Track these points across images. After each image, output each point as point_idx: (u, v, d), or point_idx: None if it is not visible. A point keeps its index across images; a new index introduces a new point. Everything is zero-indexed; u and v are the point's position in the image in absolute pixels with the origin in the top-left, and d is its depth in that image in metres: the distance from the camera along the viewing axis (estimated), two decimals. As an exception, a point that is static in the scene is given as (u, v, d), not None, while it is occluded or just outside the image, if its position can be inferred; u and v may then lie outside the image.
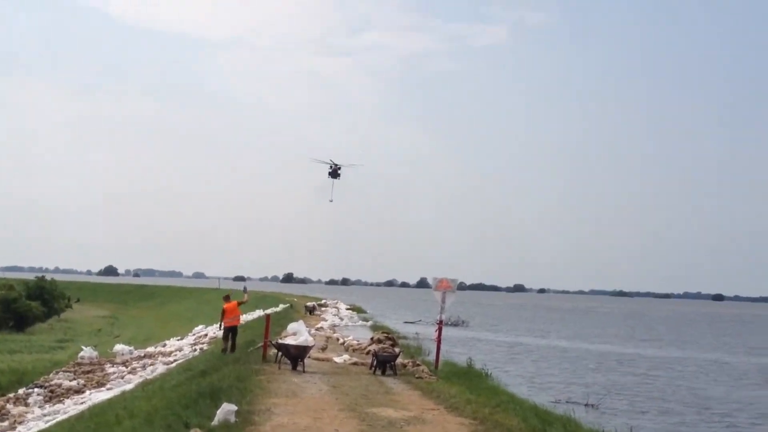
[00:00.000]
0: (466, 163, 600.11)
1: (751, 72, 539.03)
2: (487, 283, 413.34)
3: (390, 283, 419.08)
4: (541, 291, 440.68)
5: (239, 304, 26.05)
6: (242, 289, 29.89)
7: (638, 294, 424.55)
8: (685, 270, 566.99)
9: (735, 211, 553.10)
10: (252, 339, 28.31)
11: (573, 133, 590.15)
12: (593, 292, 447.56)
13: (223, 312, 25.30)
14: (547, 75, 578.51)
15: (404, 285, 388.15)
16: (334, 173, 48.69)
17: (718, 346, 60.15)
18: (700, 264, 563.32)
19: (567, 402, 24.05)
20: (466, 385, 19.73)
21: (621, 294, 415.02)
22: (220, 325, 26.18)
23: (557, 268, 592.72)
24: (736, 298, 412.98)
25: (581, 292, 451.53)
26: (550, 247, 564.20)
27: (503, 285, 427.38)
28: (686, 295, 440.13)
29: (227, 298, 25.97)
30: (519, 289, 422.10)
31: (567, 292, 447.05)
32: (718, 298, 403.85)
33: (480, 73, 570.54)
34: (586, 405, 24.56)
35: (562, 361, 42.50)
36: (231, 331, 25.41)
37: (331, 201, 50.54)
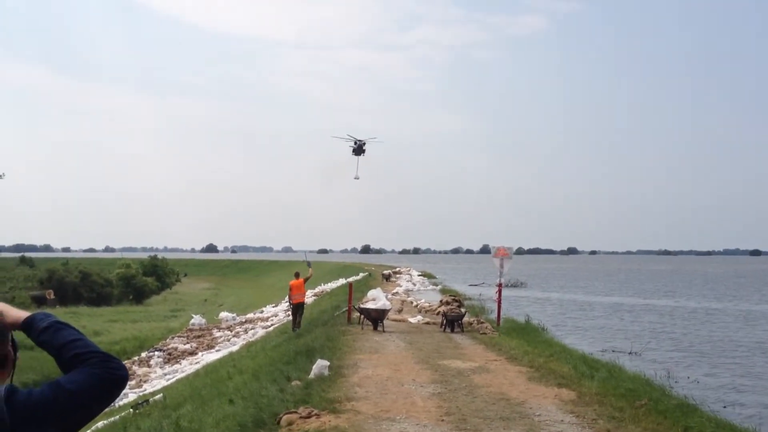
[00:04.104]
0: (517, 141, 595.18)
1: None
2: (543, 247, 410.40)
3: (456, 251, 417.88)
4: (593, 252, 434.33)
5: (305, 280, 23.16)
6: (306, 263, 24.59)
7: (681, 252, 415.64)
8: (724, 228, 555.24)
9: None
10: (338, 304, 28.89)
11: (619, 105, 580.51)
12: (640, 252, 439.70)
13: (290, 289, 23.04)
14: (579, 59, 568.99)
15: (468, 251, 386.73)
16: (359, 149, 42.94)
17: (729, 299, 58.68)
18: (738, 222, 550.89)
19: (613, 351, 23.84)
20: (524, 338, 19.79)
21: (666, 253, 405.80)
22: (289, 302, 23.83)
23: (607, 231, 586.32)
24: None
25: (629, 253, 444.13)
26: (599, 212, 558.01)
27: (557, 248, 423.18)
28: (726, 252, 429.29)
29: (297, 275, 23.13)
30: (572, 251, 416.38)
31: (616, 253, 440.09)
32: (756, 253, 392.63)
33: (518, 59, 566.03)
34: (630, 353, 24.36)
35: (609, 314, 42.15)
36: (298, 308, 23.18)
37: (357, 178, 44.63)
